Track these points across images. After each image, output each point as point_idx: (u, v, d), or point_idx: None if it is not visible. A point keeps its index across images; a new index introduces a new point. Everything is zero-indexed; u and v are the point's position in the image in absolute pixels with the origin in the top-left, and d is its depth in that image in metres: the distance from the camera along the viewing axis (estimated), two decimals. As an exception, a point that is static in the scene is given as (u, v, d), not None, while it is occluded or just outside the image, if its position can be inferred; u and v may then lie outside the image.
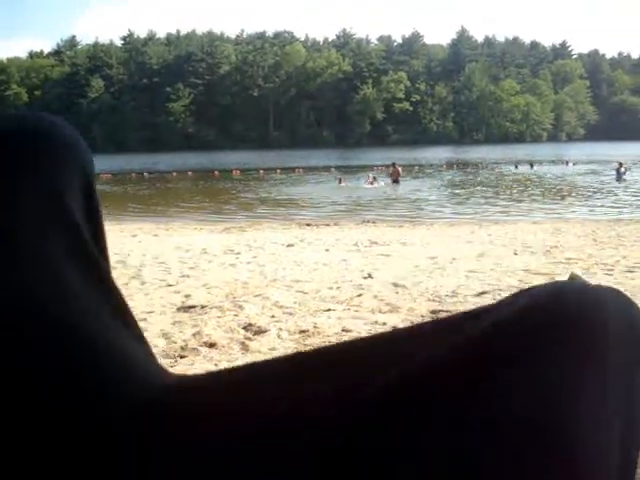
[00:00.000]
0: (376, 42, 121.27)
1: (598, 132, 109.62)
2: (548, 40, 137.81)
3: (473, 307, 0.53)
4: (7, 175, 0.65)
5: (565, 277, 4.72)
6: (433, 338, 0.54)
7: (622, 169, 23.78)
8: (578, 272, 4.84)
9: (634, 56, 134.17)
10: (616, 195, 18.30)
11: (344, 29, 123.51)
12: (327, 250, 7.56)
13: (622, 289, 0.52)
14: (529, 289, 0.57)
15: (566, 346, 0.50)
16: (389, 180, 23.67)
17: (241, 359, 2.94)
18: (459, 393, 0.48)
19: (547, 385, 0.48)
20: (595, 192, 19.40)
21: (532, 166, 32.82)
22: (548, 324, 0.50)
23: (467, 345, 0.51)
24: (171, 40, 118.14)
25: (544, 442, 0.46)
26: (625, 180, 22.87)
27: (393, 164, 24.70)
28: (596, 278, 4.98)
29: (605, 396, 0.50)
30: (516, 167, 33.35)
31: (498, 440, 0.46)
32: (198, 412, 0.57)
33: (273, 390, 0.57)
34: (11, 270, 0.61)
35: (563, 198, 17.92)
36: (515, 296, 0.57)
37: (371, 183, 23.06)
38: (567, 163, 36.38)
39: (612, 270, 5.66)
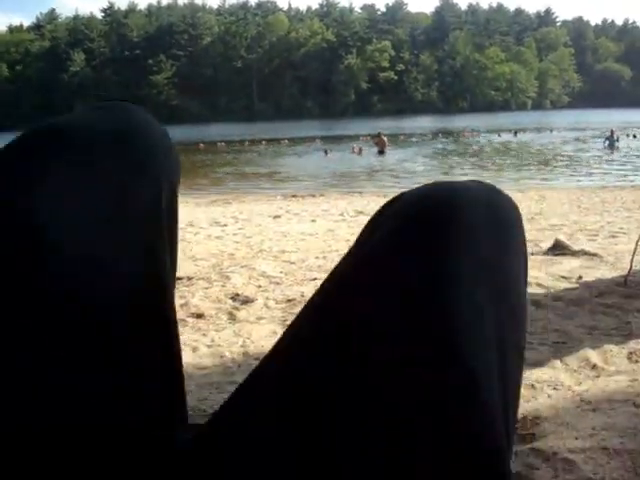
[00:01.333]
0: (360, 11, 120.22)
1: (582, 99, 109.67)
2: (532, 7, 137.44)
3: None
4: (125, 170, 0.67)
5: (549, 243, 4.76)
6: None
7: (614, 136, 23.38)
8: (562, 238, 4.88)
9: (618, 22, 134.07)
10: (610, 164, 17.91)
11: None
12: (313, 221, 7.57)
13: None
14: (404, 195, 0.64)
15: (429, 233, 0.55)
16: (375, 150, 23.59)
17: (229, 328, 2.96)
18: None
19: (418, 267, 0.54)
20: (583, 161, 19.43)
21: (516, 134, 32.80)
22: (418, 221, 0.57)
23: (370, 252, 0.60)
24: (152, 11, 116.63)
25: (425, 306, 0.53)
26: (618, 148, 22.48)
27: (378, 134, 24.58)
28: (579, 243, 5.03)
29: (465, 270, 0.55)
30: (499, 135, 33.21)
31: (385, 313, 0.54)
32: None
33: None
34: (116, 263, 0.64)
35: (548, 166, 17.98)
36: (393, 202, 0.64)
37: (358, 153, 23.01)
38: (551, 130, 36.43)
39: (596, 236, 5.71)
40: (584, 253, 4.39)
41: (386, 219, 0.62)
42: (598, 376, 2.07)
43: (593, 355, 2.23)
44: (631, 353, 2.36)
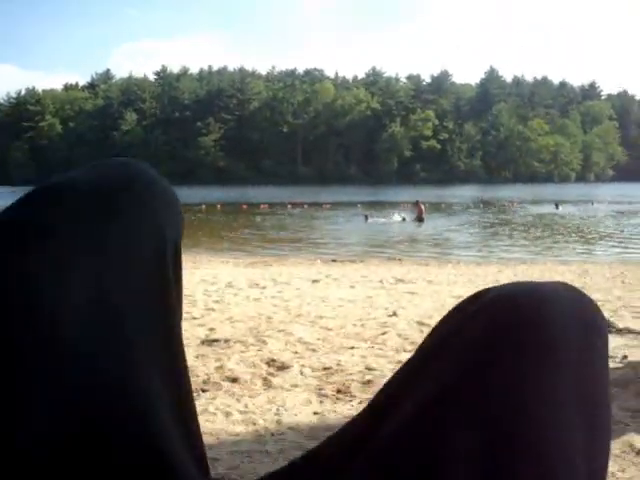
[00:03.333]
0: (405, 80, 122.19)
1: (627, 173, 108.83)
2: (577, 80, 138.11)
3: None
4: (129, 218, 0.67)
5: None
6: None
7: None
8: (606, 314, 4.78)
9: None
10: None
11: (374, 67, 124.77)
12: (352, 287, 7.55)
13: None
14: (482, 295, 0.60)
15: (521, 353, 0.52)
16: (414, 217, 23.67)
17: (263, 394, 2.93)
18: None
19: (511, 393, 0.50)
20: (627, 235, 19.15)
21: (557, 206, 32.32)
22: (505, 335, 0.53)
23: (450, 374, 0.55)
24: (203, 75, 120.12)
25: (512, 448, 0.49)
26: None
27: (417, 202, 24.74)
28: (624, 320, 4.91)
29: (562, 395, 0.52)
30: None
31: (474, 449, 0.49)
32: None
33: None
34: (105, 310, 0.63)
35: (591, 239, 17.76)
36: (472, 304, 0.59)
37: (401, 220, 23.10)
38: (593, 203, 36.11)
39: (641, 313, 5.57)
40: (629, 331, 4.29)
41: (470, 321, 0.57)
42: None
43: (638, 440, 2.15)
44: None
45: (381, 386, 0.62)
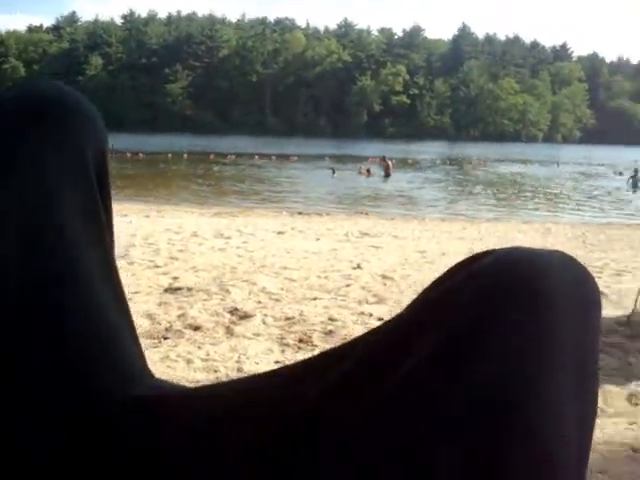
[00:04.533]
0: (377, 34, 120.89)
1: (594, 135, 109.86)
2: (549, 41, 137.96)
3: None
4: (47, 133, 0.69)
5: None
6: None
7: (639, 176, 22.66)
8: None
9: (634, 62, 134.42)
10: (628, 204, 17.49)
11: (345, 19, 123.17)
12: (317, 239, 7.55)
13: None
14: (475, 257, 0.58)
15: (515, 315, 0.50)
16: (382, 173, 23.66)
17: (225, 343, 2.93)
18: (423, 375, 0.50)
19: (505, 361, 0.49)
20: (593, 197, 19.40)
21: (524, 164, 32.66)
22: (497, 296, 0.51)
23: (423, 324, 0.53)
24: (172, 20, 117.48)
25: (508, 421, 0.48)
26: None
27: (383, 157, 24.73)
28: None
29: (560, 366, 0.51)
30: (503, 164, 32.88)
31: (460, 424, 0.47)
32: (170, 415, 0.61)
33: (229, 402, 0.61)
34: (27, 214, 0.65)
35: (556, 200, 17.97)
36: (462, 266, 0.57)
37: (366, 175, 23.04)
38: (558, 164, 36.43)
39: (601, 273, 5.67)
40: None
41: (468, 282, 0.55)
42: (598, 417, 2.03)
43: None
44: (631, 395, 2.33)
45: (350, 337, 0.61)
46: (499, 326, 0.50)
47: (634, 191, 21.31)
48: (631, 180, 22.78)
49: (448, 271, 0.58)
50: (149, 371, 0.71)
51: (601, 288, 0.57)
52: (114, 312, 0.68)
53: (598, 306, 0.57)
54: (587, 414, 0.55)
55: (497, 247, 0.58)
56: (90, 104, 0.75)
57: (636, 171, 23.18)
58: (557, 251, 0.59)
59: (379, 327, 0.58)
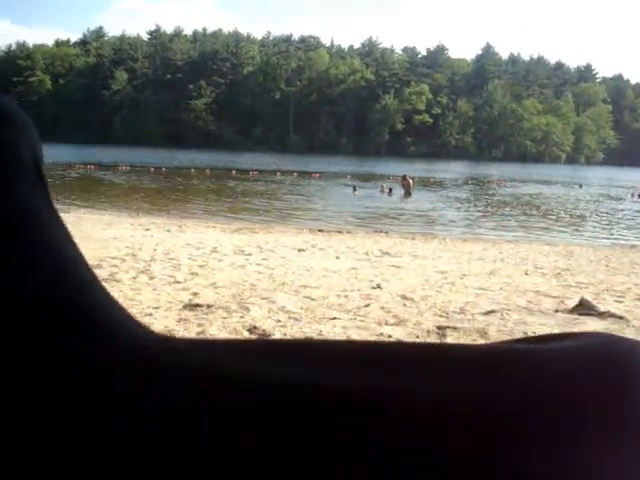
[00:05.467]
0: (400, 53, 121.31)
1: (617, 157, 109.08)
2: (573, 62, 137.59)
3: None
4: None
5: (575, 301, 4.68)
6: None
7: None
8: (588, 297, 4.80)
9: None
10: None
11: (370, 37, 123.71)
12: (337, 257, 7.54)
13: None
14: (570, 337, 0.56)
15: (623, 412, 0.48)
16: (402, 192, 23.61)
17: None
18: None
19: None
20: (615, 219, 19.24)
21: (547, 186, 32.49)
22: (603, 395, 0.49)
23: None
24: (197, 37, 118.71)
25: None
26: None
27: (404, 176, 24.64)
28: (606, 304, 4.94)
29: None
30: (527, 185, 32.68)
31: None
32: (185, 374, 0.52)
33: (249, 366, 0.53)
34: None
35: (579, 221, 17.83)
36: (555, 342, 0.55)
37: (388, 193, 23.04)
38: (580, 186, 36.19)
39: (623, 297, 5.60)
40: (610, 315, 4.31)
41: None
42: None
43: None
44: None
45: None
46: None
47: None
48: None
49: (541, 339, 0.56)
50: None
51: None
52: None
53: None
54: None
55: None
56: (21, 111, 0.73)
57: None
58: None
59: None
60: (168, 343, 0.57)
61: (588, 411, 0.49)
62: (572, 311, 4.46)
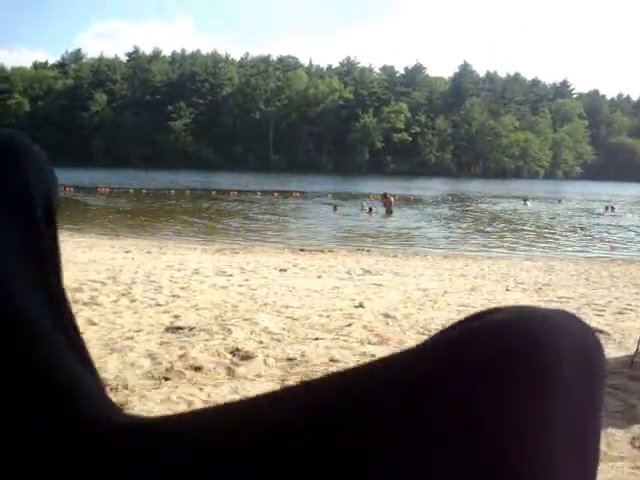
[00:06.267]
0: (379, 72, 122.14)
1: (595, 171, 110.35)
2: (549, 78, 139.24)
3: None
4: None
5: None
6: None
7: None
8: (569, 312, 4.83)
9: (634, 98, 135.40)
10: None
11: (348, 57, 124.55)
12: (319, 277, 7.55)
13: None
14: (477, 317, 0.54)
15: (515, 380, 0.48)
16: (384, 210, 23.67)
17: (227, 384, 2.92)
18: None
19: (506, 425, 0.47)
20: (594, 232, 19.41)
21: (526, 202, 32.72)
22: (498, 355, 0.48)
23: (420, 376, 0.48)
24: (176, 59, 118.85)
25: None
26: None
27: (384, 194, 24.69)
28: (587, 318, 4.97)
29: (559, 431, 0.48)
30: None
31: None
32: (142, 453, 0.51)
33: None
34: None
35: (558, 235, 17.97)
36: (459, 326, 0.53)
37: (368, 212, 23.10)
38: (560, 201, 36.52)
39: (603, 311, 5.65)
40: (590, 329, 4.33)
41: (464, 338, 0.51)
42: (600, 461, 2.01)
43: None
44: (634, 438, 2.31)
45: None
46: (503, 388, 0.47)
47: None
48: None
49: (452, 327, 0.54)
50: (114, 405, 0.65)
51: (603, 327, 0.54)
52: (71, 359, 0.62)
53: (602, 378, 0.54)
54: None
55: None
56: (32, 143, 0.75)
57: None
58: (561, 312, 0.56)
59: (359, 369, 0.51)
60: (117, 425, 0.56)
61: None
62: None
